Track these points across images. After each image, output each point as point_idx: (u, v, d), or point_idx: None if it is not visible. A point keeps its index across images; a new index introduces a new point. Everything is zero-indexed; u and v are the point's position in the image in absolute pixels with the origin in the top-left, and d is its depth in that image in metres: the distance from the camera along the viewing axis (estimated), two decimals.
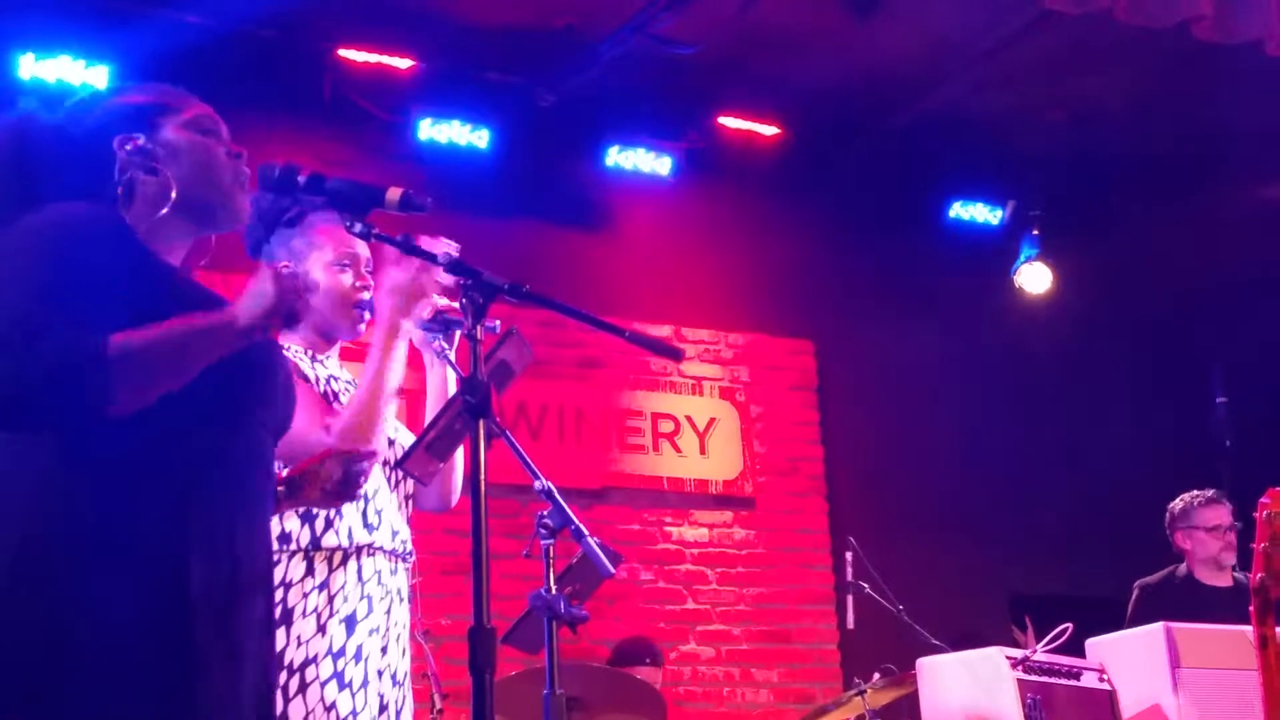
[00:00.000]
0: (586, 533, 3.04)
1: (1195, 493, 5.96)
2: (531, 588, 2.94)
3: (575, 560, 3.15)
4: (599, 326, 2.57)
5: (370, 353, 3.00)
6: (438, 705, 5.34)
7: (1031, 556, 8.16)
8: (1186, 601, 5.58)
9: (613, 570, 3.09)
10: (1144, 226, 8.35)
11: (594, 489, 7.37)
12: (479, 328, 2.52)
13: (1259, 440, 7.69)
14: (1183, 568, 5.92)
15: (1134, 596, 5.93)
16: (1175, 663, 4.25)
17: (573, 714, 4.88)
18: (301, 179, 2.53)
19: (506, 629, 3.33)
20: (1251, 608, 2.97)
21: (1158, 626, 4.37)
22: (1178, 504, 5.96)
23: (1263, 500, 2.94)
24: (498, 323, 2.78)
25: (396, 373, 2.99)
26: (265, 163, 2.51)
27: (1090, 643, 4.69)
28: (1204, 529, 5.83)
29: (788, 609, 7.69)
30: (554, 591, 2.98)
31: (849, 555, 5.90)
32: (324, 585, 2.94)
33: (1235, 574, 5.84)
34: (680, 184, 7.75)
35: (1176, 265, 8.36)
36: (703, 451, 7.70)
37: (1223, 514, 5.85)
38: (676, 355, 2.70)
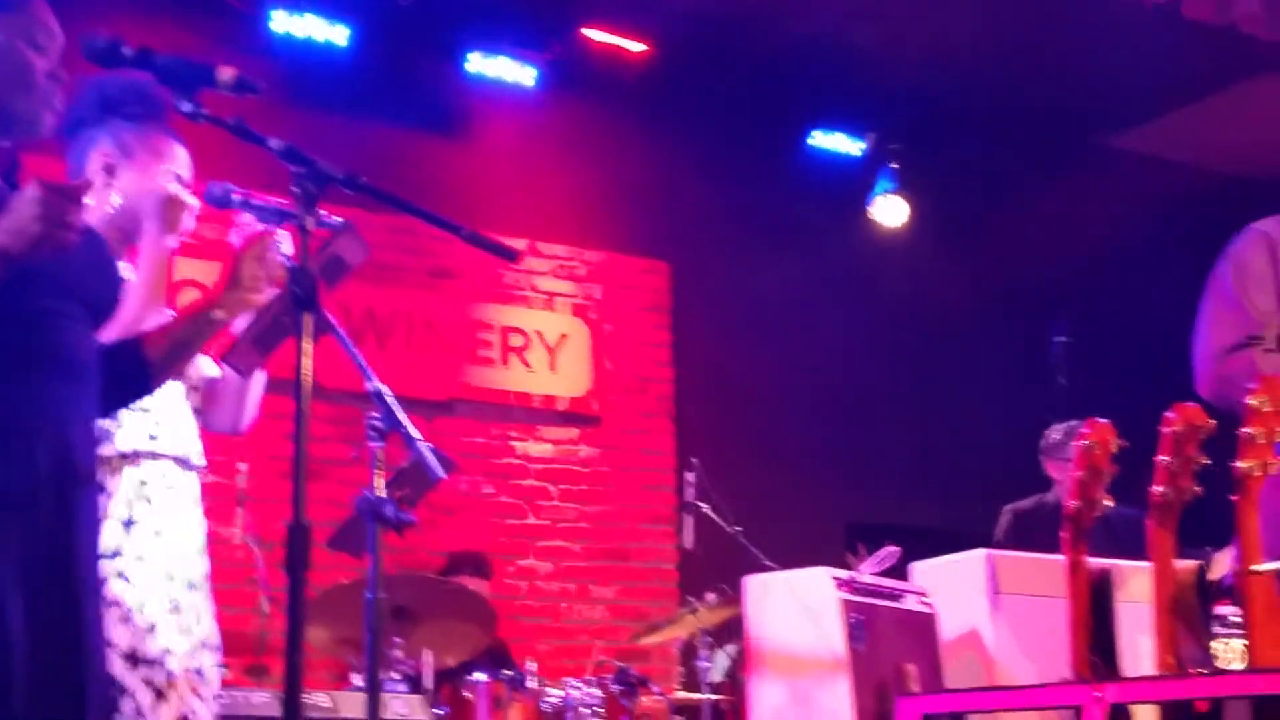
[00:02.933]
0: (418, 436, 3.00)
1: (1073, 423, 6.08)
2: None
3: (405, 464, 3.10)
4: (433, 223, 2.52)
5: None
6: (264, 609, 5.28)
7: (871, 485, 8.29)
8: (1054, 527, 5.69)
9: (443, 474, 3.05)
10: (1000, 166, 8.46)
11: (440, 400, 7.31)
12: (310, 219, 2.45)
13: (1094, 379, 7.87)
14: (1052, 495, 6.05)
15: (1004, 521, 6.03)
16: (994, 589, 4.34)
17: (401, 622, 4.86)
18: (128, 52, 2.43)
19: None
20: (1064, 533, 3.04)
21: (979, 553, 4.45)
22: (1055, 433, 6.06)
23: (1082, 430, 3.00)
24: (339, 219, 2.71)
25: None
26: (89, 33, 2.41)
27: (915, 567, 4.78)
28: (1068, 460, 5.94)
29: (628, 527, 7.74)
30: (381, 495, 2.93)
31: (691, 476, 5.94)
32: (101, 489, 2.87)
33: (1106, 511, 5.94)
34: (542, 95, 7.66)
35: (1027, 206, 8.50)
36: (552, 367, 7.68)
37: None
38: (512, 256, 2.66)
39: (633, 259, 8.02)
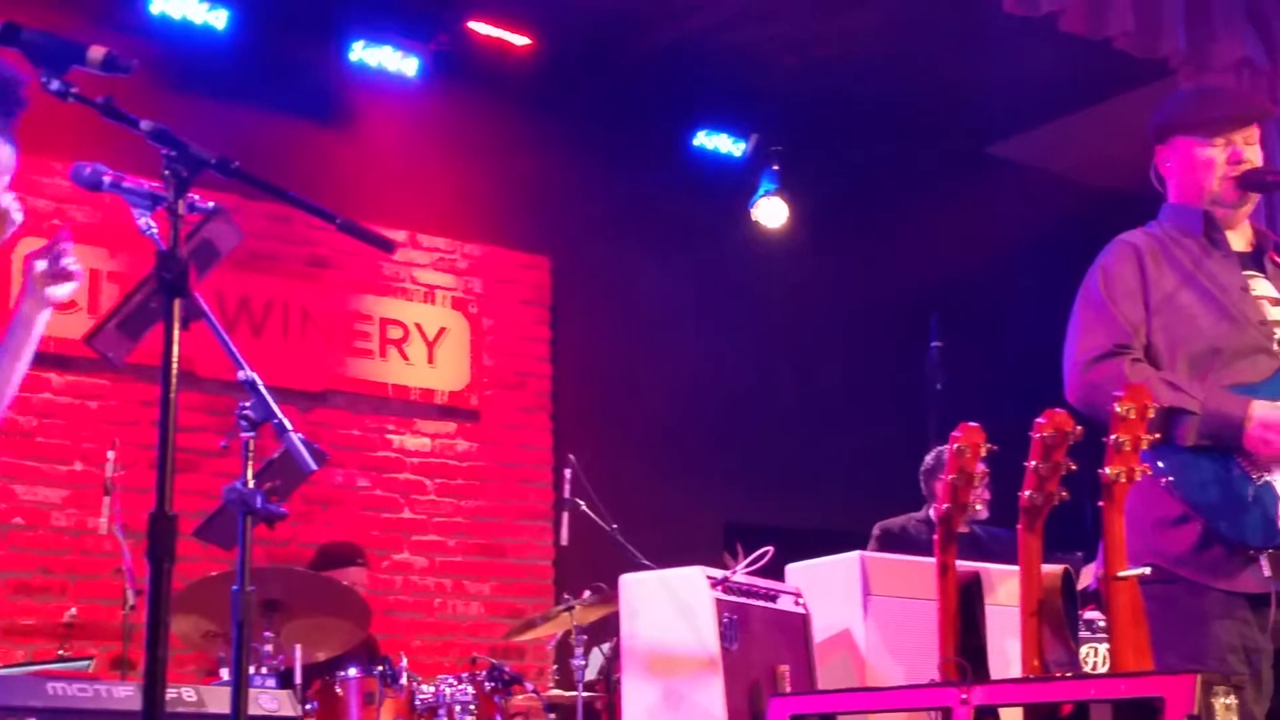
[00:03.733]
0: (289, 427, 2.94)
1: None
2: None
3: (276, 455, 3.04)
4: (308, 210, 2.48)
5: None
6: (130, 601, 5.17)
7: (751, 486, 8.33)
8: (923, 543, 5.79)
9: (315, 466, 2.99)
10: (881, 170, 8.55)
11: (316, 391, 7.22)
12: (181, 203, 2.39)
13: (968, 384, 7.98)
14: (921, 514, 6.15)
15: (873, 536, 6.10)
16: (867, 590, 4.37)
17: (273, 615, 4.79)
18: None
19: None
20: (935, 536, 3.07)
21: (853, 555, 4.49)
22: (935, 454, 6.18)
23: (954, 434, 3.04)
24: (211, 204, 2.65)
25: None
26: None
27: (790, 568, 4.80)
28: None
29: (505, 523, 7.70)
30: (251, 486, 2.87)
31: (568, 472, 5.92)
32: None
33: (972, 525, 6.06)
34: (426, 87, 7.59)
35: (907, 210, 8.60)
36: (430, 361, 7.62)
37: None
38: (388, 247, 2.62)
39: (514, 253, 7.98)
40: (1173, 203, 3.51)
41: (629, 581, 4.32)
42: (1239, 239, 3.45)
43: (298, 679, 4.76)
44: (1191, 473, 3.03)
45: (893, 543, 5.98)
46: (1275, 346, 3.27)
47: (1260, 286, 3.37)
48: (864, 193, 8.61)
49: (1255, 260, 3.43)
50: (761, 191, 8.45)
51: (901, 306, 8.55)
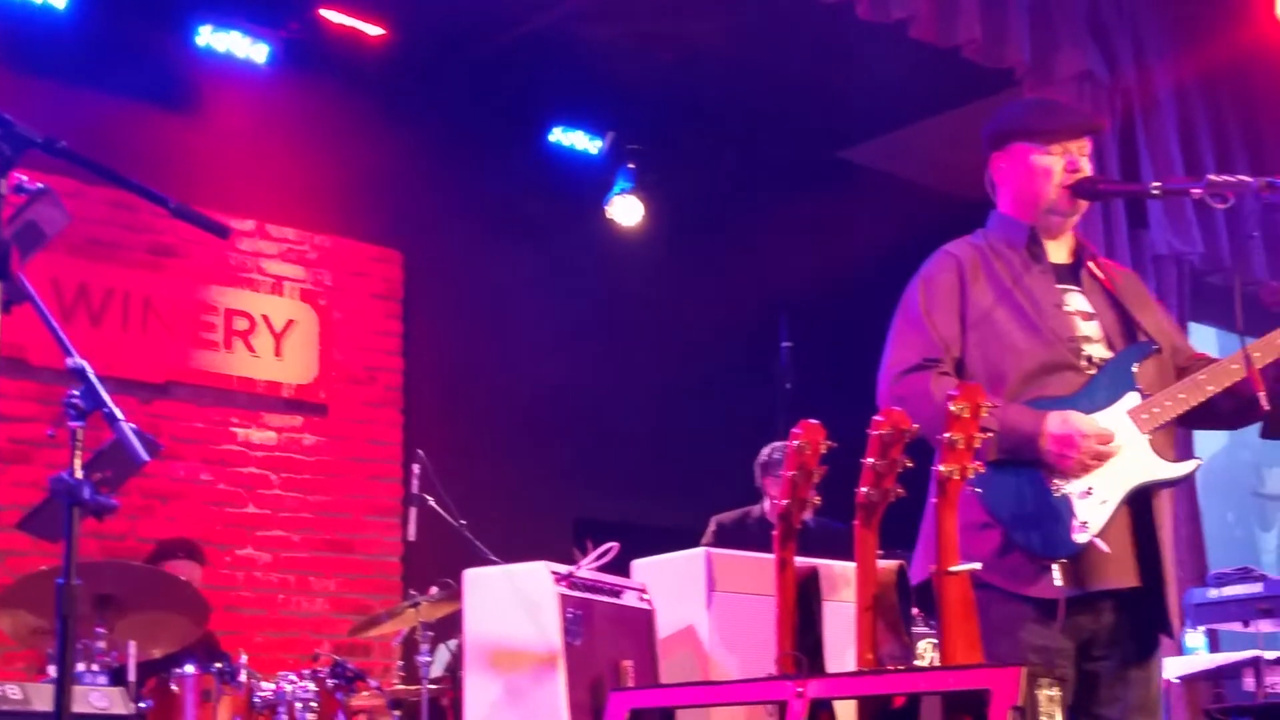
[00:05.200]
0: (120, 416, 2.87)
1: (783, 443, 6.26)
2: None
3: (106, 446, 2.96)
4: (140, 193, 2.42)
5: None
6: None
7: (601, 482, 8.34)
8: (761, 538, 5.84)
9: (147, 457, 2.92)
10: (736, 171, 8.62)
11: (158, 383, 7.05)
12: (5, 183, 2.32)
13: (817, 384, 8.08)
14: (758, 508, 6.21)
15: (709, 530, 6.15)
16: (711, 586, 4.40)
17: (105, 611, 4.67)
18: None
19: None
20: (774, 532, 3.10)
21: (698, 551, 4.52)
22: (767, 452, 6.26)
23: (795, 431, 3.07)
24: (40, 185, 2.57)
25: None
26: None
27: (636, 564, 4.81)
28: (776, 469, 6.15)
29: (352, 519, 7.61)
30: (79, 477, 2.79)
31: (416, 468, 5.88)
32: None
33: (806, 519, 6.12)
34: (276, 74, 7.46)
35: (761, 211, 8.68)
36: (278, 353, 7.50)
37: None
38: (223, 232, 2.57)
39: (365, 245, 7.88)
40: (1001, 213, 3.57)
41: (473, 577, 4.30)
42: (1060, 250, 3.52)
43: (131, 676, 4.65)
44: (994, 485, 3.10)
45: (728, 536, 6.03)
46: (1083, 363, 3.34)
47: (1074, 301, 3.44)
48: (718, 193, 8.67)
49: (1073, 273, 3.50)
50: (617, 189, 8.47)
51: (753, 307, 8.63)
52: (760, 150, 8.58)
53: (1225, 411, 3.40)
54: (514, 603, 4.14)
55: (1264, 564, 8.93)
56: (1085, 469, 3.18)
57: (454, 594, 5.22)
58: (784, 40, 7.55)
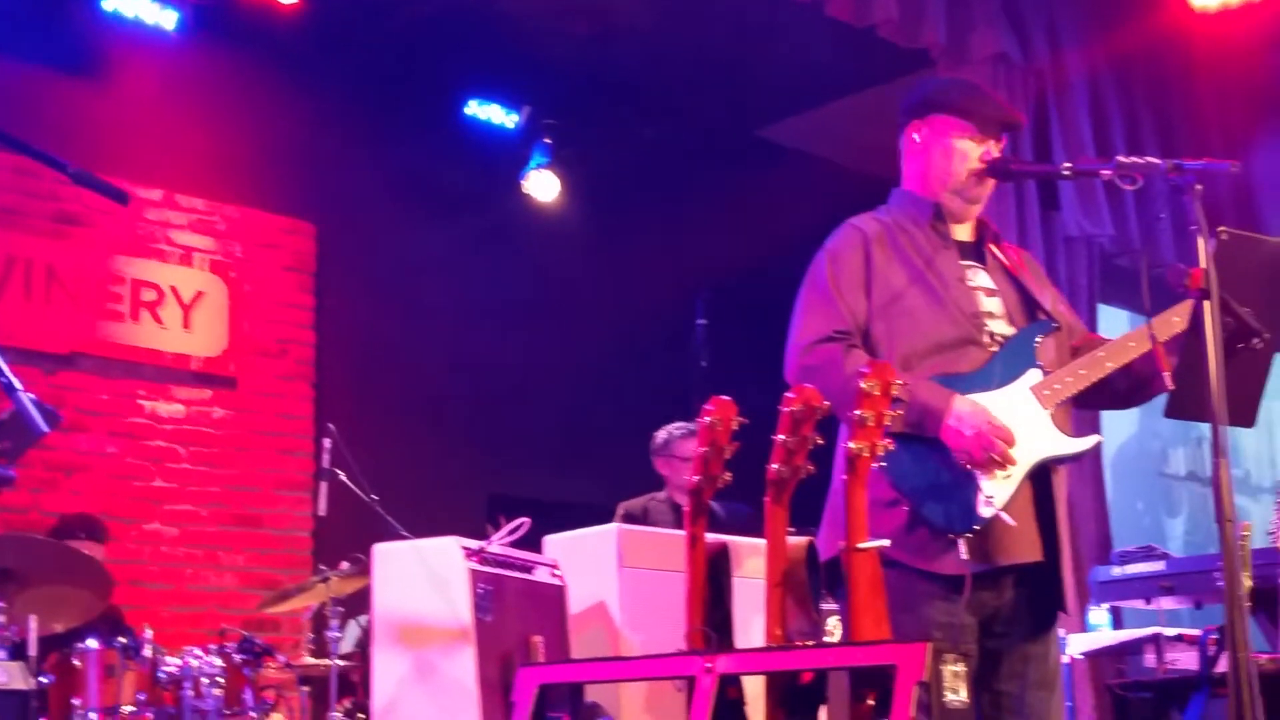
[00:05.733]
0: (19, 386, 2.81)
1: (677, 425, 6.30)
2: None
3: (4, 416, 2.90)
4: (36, 157, 2.37)
5: None
6: None
7: (514, 459, 8.32)
8: (664, 523, 5.87)
9: (46, 428, 2.87)
10: (654, 148, 8.59)
11: (62, 354, 6.93)
12: None
13: (733, 362, 8.11)
14: (663, 494, 6.23)
15: (617, 515, 6.16)
16: (621, 562, 4.42)
17: (6, 585, 4.59)
18: None
19: None
20: (685, 508, 3.10)
21: (610, 527, 4.53)
22: (660, 435, 6.31)
23: (706, 408, 3.07)
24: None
25: None
26: None
27: (548, 540, 4.82)
28: (680, 458, 6.19)
29: (262, 493, 7.53)
30: None
31: (327, 442, 5.82)
32: None
33: (715, 507, 6.17)
34: (186, 41, 7.32)
35: (678, 189, 8.67)
36: (186, 325, 7.39)
37: (689, 448, 6.18)
38: (123, 199, 2.52)
39: (276, 217, 7.78)
40: (905, 189, 3.58)
41: (383, 552, 4.28)
42: (964, 228, 3.53)
43: (32, 651, 4.57)
44: (899, 459, 3.09)
45: (634, 522, 6.06)
46: (985, 339, 3.36)
47: (978, 278, 3.46)
48: (635, 170, 8.64)
49: (976, 251, 3.52)
50: (533, 164, 8.41)
51: (669, 284, 8.63)
52: (678, 127, 8.56)
53: (1121, 390, 3.44)
54: (424, 578, 4.12)
55: (1172, 545, 9.09)
56: (974, 461, 3.19)
57: (364, 569, 5.18)
58: (702, 17, 7.53)
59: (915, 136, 3.54)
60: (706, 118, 8.54)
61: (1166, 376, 3.12)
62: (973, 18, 6.84)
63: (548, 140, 8.37)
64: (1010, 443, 3.19)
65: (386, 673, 4.19)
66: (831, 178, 9.01)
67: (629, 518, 6.20)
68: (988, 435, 3.17)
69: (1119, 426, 8.87)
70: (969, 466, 3.19)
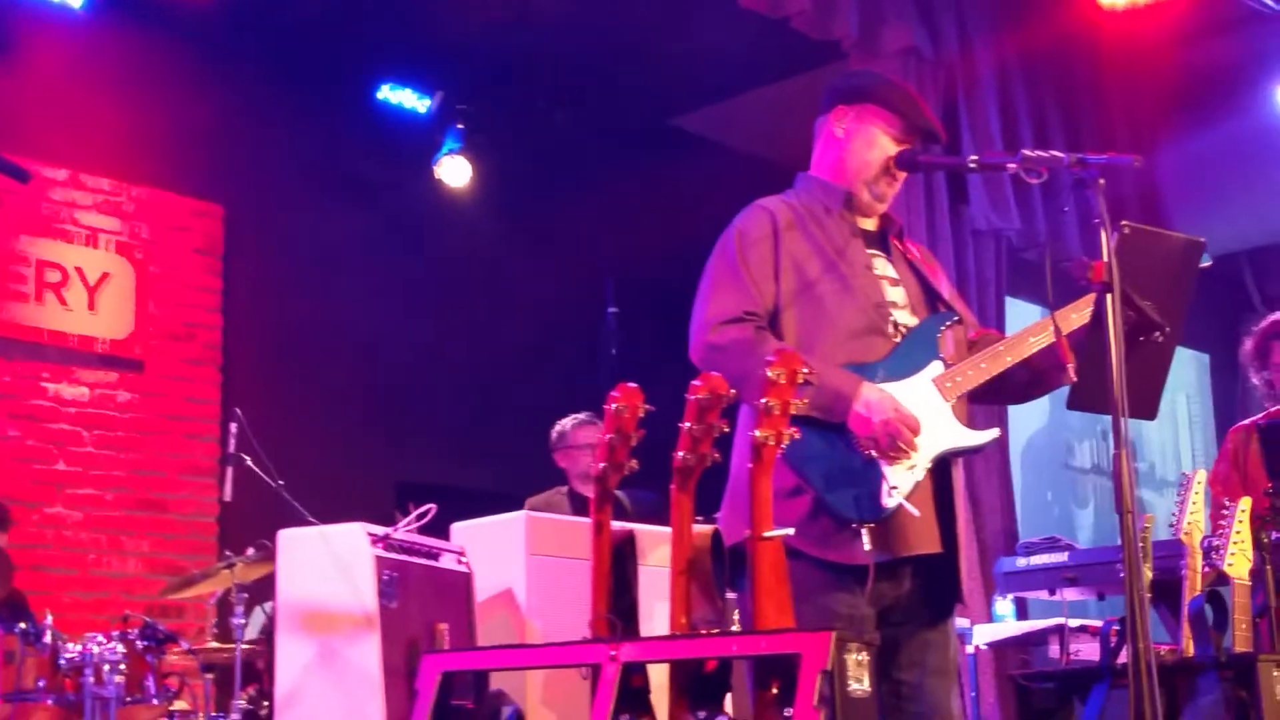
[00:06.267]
0: None
1: (571, 417, 6.33)
2: None
3: None
4: None
5: None
6: None
7: (424, 446, 8.27)
8: (571, 514, 5.88)
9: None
10: (563, 134, 8.57)
11: None
12: None
13: (643, 350, 8.12)
14: (566, 486, 6.26)
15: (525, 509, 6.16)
16: (529, 550, 4.42)
17: None
18: None
19: None
20: (592, 495, 3.10)
21: (517, 515, 4.52)
22: (556, 428, 6.36)
23: (613, 394, 3.06)
24: None
25: None
26: None
27: (455, 527, 4.80)
28: (577, 447, 6.20)
29: (167, 478, 7.43)
30: None
31: (234, 427, 5.76)
32: None
33: (621, 496, 6.20)
34: (93, 19, 7.18)
35: (587, 176, 8.65)
36: (91, 307, 7.28)
37: (594, 433, 6.19)
38: (24, 177, 2.48)
39: (185, 199, 7.66)
40: (814, 175, 3.59)
41: (287, 537, 4.25)
42: (870, 219, 3.56)
43: None
44: (803, 446, 3.08)
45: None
46: (890, 328, 3.38)
47: (882, 267, 3.48)
48: (547, 156, 8.62)
49: (881, 241, 3.54)
50: (445, 150, 8.36)
51: (580, 271, 8.61)
52: (591, 115, 8.55)
53: (1019, 383, 3.48)
54: (329, 564, 4.09)
55: (1081, 537, 9.22)
56: (879, 447, 3.20)
57: (270, 555, 5.12)
58: (617, 4, 7.52)
59: (839, 122, 3.54)
60: (620, 105, 8.53)
61: (1070, 369, 3.16)
62: (884, 11, 6.89)
63: (460, 126, 8.31)
64: (916, 431, 3.21)
65: (290, 659, 4.15)
66: (744, 168, 9.03)
67: (532, 510, 6.20)
68: (895, 423, 3.19)
69: (1029, 419, 8.99)
70: (874, 454, 3.20)
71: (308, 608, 4.14)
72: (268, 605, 5.86)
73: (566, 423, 6.39)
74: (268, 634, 5.84)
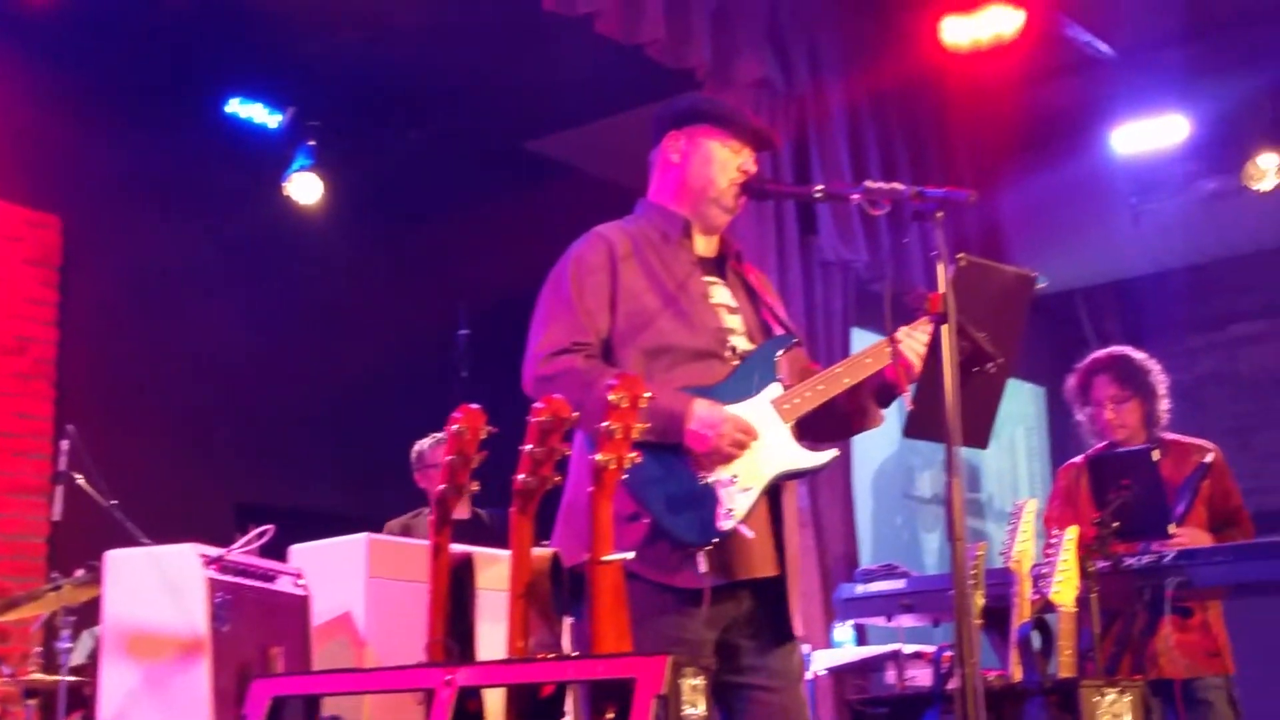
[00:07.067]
0: None
1: (431, 436, 6.30)
2: None
3: None
4: None
5: None
6: None
7: (265, 467, 8.13)
8: (425, 536, 5.82)
9: None
10: (417, 155, 8.51)
11: None
12: None
13: (494, 373, 8.07)
14: (427, 508, 6.19)
15: (384, 533, 6.10)
16: (369, 572, 4.36)
17: None
18: None
19: None
20: (431, 517, 3.06)
21: (358, 537, 4.46)
22: (415, 448, 6.31)
23: (454, 415, 3.04)
24: None
25: None
26: None
27: (294, 549, 4.72)
28: (435, 467, 6.16)
29: None
30: None
31: (65, 444, 5.60)
32: None
33: (475, 508, 6.18)
34: None
35: (442, 197, 8.61)
36: None
37: None
38: None
39: (19, 209, 7.43)
40: (653, 201, 3.62)
41: (115, 558, 4.13)
42: (708, 245, 3.59)
43: None
44: (641, 472, 3.09)
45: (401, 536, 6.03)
46: (727, 353, 3.42)
47: (719, 294, 3.52)
48: (400, 177, 8.55)
49: (718, 267, 3.58)
50: (296, 166, 8.24)
51: (432, 293, 8.55)
52: (446, 135, 8.49)
53: (844, 414, 3.52)
54: (159, 586, 3.99)
55: (927, 563, 9.37)
56: (723, 457, 3.23)
57: (99, 577, 4.99)
58: (473, 26, 7.50)
59: (673, 148, 3.57)
60: (475, 127, 8.50)
61: (906, 395, 3.23)
62: (738, 43, 6.97)
63: (312, 142, 8.21)
64: (753, 435, 3.25)
65: (115, 685, 4.03)
66: (599, 193, 9.05)
67: (392, 532, 6.15)
68: (732, 432, 3.22)
69: (878, 447, 9.14)
70: (718, 468, 3.23)
71: (135, 631, 4.03)
72: (96, 629, 5.71)
73: (425, 443, 6.33)
74: (95, 658, 5.68)
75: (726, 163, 3.52)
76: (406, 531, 6.22)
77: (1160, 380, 5.38)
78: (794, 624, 3.38)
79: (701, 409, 3.23)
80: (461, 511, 6.18)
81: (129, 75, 7.63)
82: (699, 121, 3.54)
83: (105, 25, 7.37)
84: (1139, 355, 5.45)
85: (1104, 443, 5.45)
